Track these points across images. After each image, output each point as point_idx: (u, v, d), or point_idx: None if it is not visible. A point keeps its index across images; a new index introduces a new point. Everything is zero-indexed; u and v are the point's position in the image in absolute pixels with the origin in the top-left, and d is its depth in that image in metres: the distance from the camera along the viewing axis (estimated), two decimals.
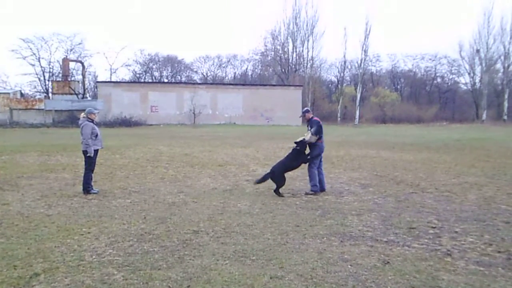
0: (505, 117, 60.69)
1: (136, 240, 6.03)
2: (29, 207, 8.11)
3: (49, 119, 46.38)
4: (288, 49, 71.29)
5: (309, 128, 9.64)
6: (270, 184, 10.61)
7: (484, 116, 61.98)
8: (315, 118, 9.78)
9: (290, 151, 9.83)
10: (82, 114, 9.87)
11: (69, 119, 45.49)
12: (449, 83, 79.33)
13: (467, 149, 20.28)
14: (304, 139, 9.42)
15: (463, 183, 10.81)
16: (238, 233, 6.40)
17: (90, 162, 9.59)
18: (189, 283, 4.50)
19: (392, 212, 7.81)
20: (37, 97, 58.92)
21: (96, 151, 9.75)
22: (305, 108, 10.28)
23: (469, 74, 70.68)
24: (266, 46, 75.80)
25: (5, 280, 4.56)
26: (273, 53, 74.55)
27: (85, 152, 9.58)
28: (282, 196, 9.05)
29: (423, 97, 76.26)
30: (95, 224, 6.87)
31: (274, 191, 9.26)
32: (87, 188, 9.47)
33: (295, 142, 9.59)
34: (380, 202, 8.67)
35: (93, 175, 9.74)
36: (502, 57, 63.33)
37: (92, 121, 9.77)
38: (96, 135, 9.67)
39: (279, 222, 7.02)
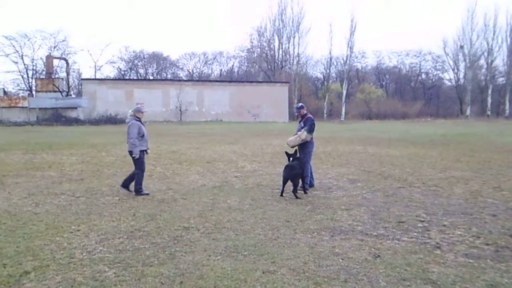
0: (489, 113, 61.66)
1: (127, 237, 6.00)
2: (16, 205, 8.00)
3: (33, 117, 45.64)
4: (274, 45, 71.48)
5: (302, 125, 9.66)
6: (259, 180, 10.65)
7: (468, 112, 62.83)
8: (309, 115, 9.79)
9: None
10: (130, 112, 9.26)
11: (54, 117, 44.90)
12: (434, 79, 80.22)
13: (452, 144, 20.51)
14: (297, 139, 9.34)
15: (450, 178, 10.94)
16: (229, 229, 6.40)
17: (139, 163, 9.05)
18: (182, 279, 4.49)
19: (381, 206, 7.88)
20: (20, 95, 57.96)
21: (142, 152, 9.12)
22: (300, 104, 10.20)
23: (453, 70, 71.73)
24: (252, 43, 75.88)
25: None
26: (259, 49, 74.57)
27: (130, 153, 9.05)
28: (299, 198, 8.61)
29: (408, 93, 76.97)
30: (84, 222, 6.80)
31: (293, 191, 8.76)
32: (138, 189, 8.97)
33: (289, 151, 9.49)
34: (369, 197, 8.74)
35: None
36: (486, 53, 64.37)
37: (139, 119, 9.20)
38: (143, 135, 9.06)
39: (270, 218, 7.04)
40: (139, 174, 9.06)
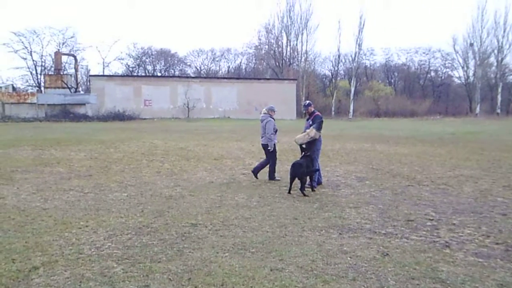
0: (499, 111, 61.04)
1: (135, 233, 6.01)
2: (25, 200, 8.05)
3: (41, 113, 45.78)
4: (282, 42, 71.07)
5: (310, 122, 9.64)
6: (267, 177, 10.63)
7: (477, 110, 62.28)
8: (317, 113, 9.79)
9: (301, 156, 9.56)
10: (263, 111, 10.61)
11: (62, 113, 45.06)
12: (443, 77, 79.55)
13: (461, 142, 20.37)
14: (308, 137, 9.34)
15: (459, 176, 10.87)
16: (236, 226, 6.39)
17: (273, 154, 10.37)
18: (190, 275, 4.49)
19: (390, 204, 7.83)
20: (29, 91, 58.04)
21: (275, 145, 10.40)
22: (307, 102, 10.28)
23: (462, 68, 70.91)
24: (260, 39, 75.53)
25: (4, 273, 4.52)
26: (267, 46, 74.27)
27: (265, 146, 10.34)
28: (307, 196, 8.57)
29: (416, 91, 76.41)
30: (92, 218, 6.83)
31: (300, 189, 8.76)
32: (273, 176, 10.36)
33: (301, 146, 9.50)
34: (377, 195, 8.69)
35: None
36: (496, 51, 63.52)
37: (272, 117, 10.46)
38: (276, 131, 10.37)
39: (277, 215, 7.02)
40: (273, 163, 10.42)
